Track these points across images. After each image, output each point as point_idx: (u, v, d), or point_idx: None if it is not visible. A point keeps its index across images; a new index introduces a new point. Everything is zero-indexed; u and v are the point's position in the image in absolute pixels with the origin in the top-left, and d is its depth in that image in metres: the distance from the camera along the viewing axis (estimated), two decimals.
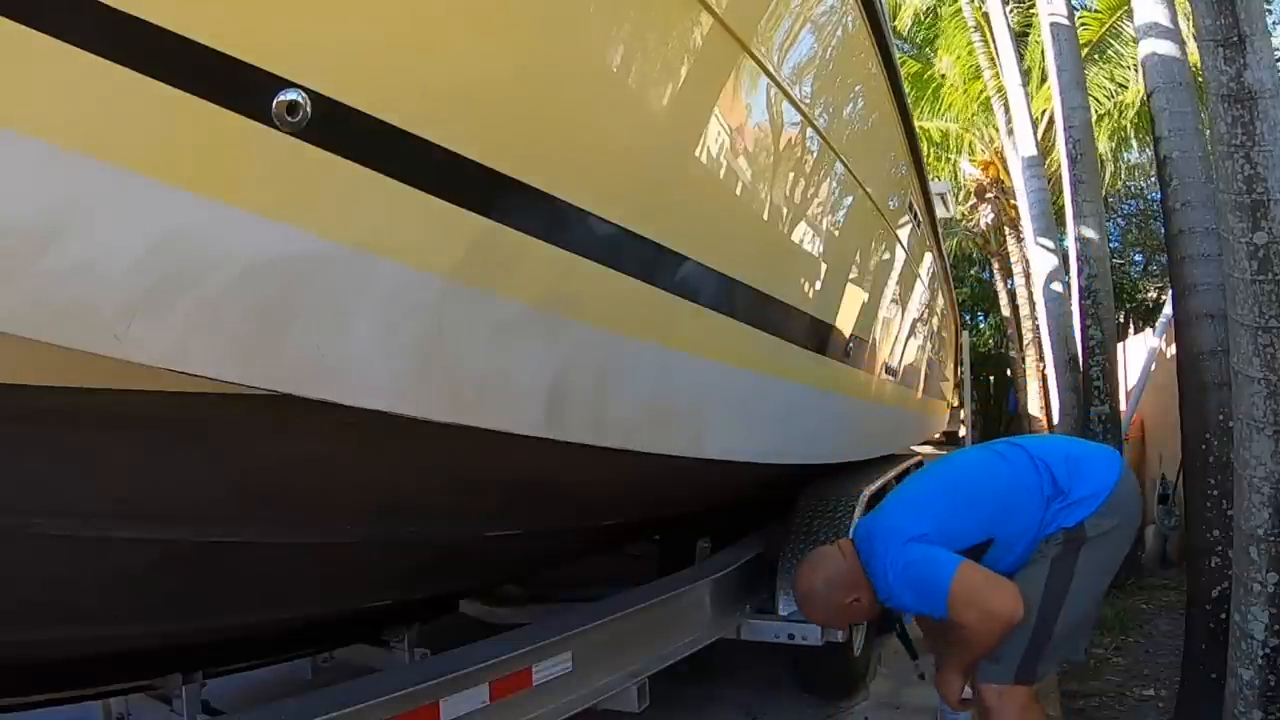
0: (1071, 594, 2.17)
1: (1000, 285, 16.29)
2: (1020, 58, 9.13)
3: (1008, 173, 12.08)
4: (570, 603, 3.00)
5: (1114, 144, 13.10)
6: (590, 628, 2.36)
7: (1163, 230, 5.08)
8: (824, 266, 3.28)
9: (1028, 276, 11.80)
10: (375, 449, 1.65)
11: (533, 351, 1.77)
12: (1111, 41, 12.53)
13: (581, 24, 1.72)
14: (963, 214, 14.46)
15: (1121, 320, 14.97)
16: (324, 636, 2.62)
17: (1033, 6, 10.33)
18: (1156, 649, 4.40)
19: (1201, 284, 3.39)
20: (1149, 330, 9.63)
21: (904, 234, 4.53)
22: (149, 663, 2.13)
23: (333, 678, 2.24)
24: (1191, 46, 4.18)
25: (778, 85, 2.51)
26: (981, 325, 20.83)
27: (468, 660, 2.02)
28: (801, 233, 3.03)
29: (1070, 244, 6.59)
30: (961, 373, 10.23)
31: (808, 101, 2.80)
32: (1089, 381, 6.05)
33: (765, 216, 2.70)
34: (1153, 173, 10.94)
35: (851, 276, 3.68)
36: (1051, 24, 6.56)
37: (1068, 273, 7.13)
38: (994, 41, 9.82)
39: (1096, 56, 12.48)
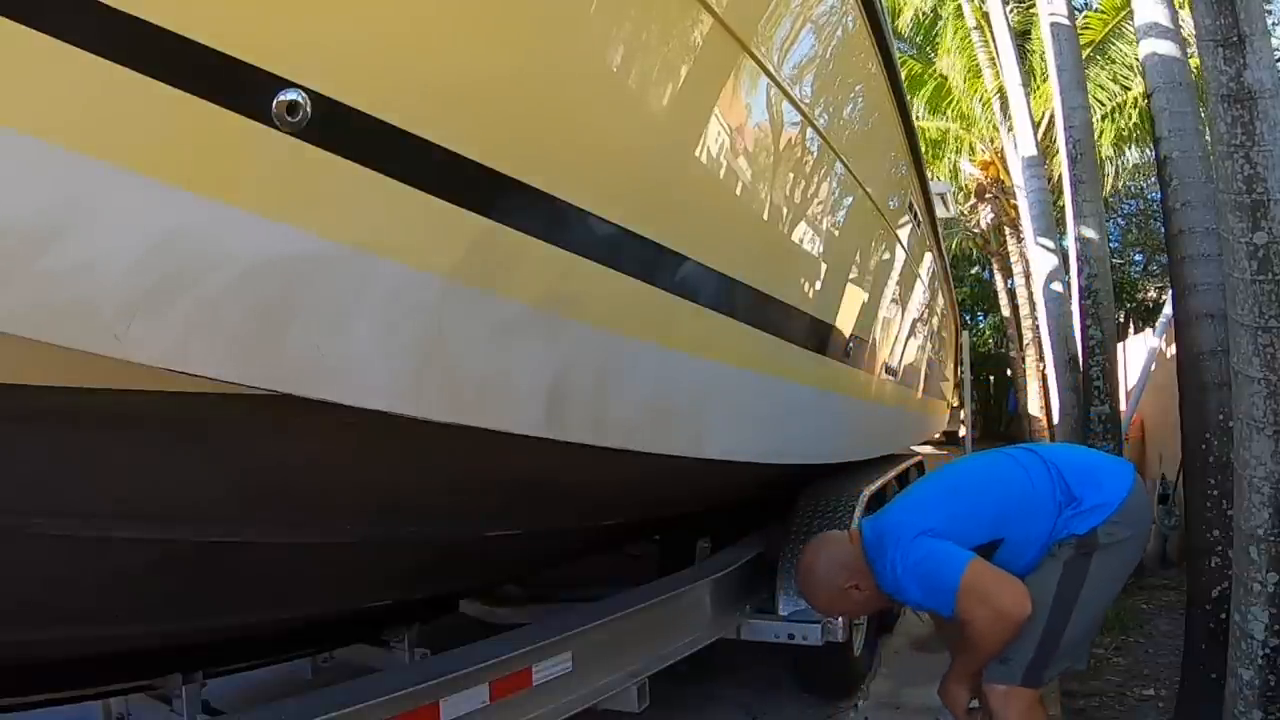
0: (1081, 601, 2.16)
1: (1000, 285, 16.30)
2: (1021, 58, 9.14)
3: (1008, 173, 12.09)
4: (570, 603, 3.00)
5: (1116, 144, 13.10)
6: (590, 628, 2.36)
7: (1163, 230, 5.08)
8: (824, 266, 3.28)
9: (1028, 276, 11.81)
10: (375, 449, 1.65)
11: (533, 351, 1.78)
12: (1114, 42, 12.54)
13: (581, 24, 1.72)
14: (963, 214, 14.46)
15: (1121, 320, 14.98)
16: (324, 636, 2.62)
17: (1033, 6, 10.33)
18: (1156, 649, 4.39)
19: (1201, 284, 3.38)
20: (1149, 330, 9.63)
21: (904, 234, 4.53)
22: (149, 663, 2.13)
23: (333, 678, 2.24)
24: (1192, 47, 4.18)
25: (778, 85, 2.51)
26: (981, 325, 20.85)
27: (468, 660, 2.02)
28: (801, 233, 3.03)
29: (1070, 244, 6.58)
30: (961, 373, 10.23)
31: (808, 101, 2.80)
32: (1089, 381, 6.04)
33: (765, 216, 2.70)
34: (1153, 173, 10.95)
35: (851, 276, 3.68)
36: (1052, 24, 6.55)
37: (1068, 273, 7.13)
38: (994, 41, 9.83)
39: (1098, 56, 12.49)
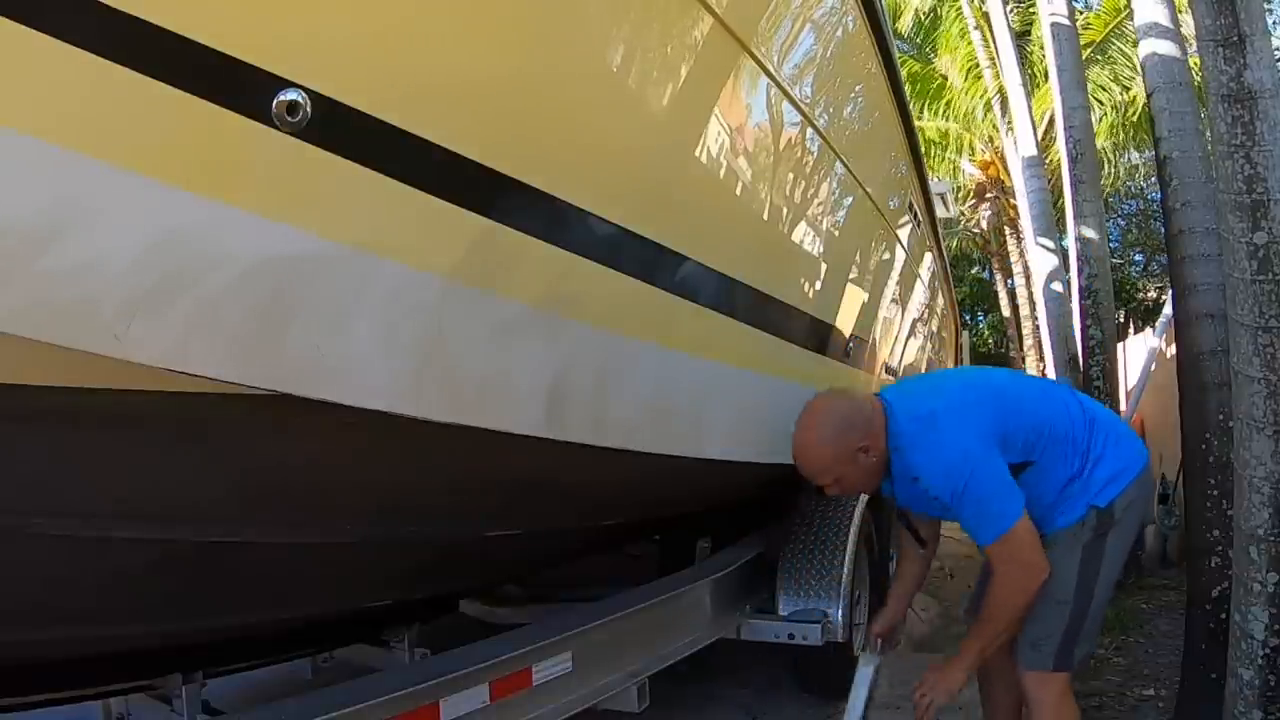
0: (1100, 579, 2.19)
1: (1000, 285, 16.29)
2: (1021, 58, 9.14)
3: (1008, 173, 12.09)
4: (570, 603, 3.00)
5: (1116, 143, 13.11)
6: (590, 628, 2.36)
7: (1163, 230, 5.08)
8: (824, 266, 3.28)
9: (1028, 276, 11.81)
10: (375, 449, 1.65)
11: (533, 351, 1.78)
12: (1114, 42, 12.54)
13: (582, 24, 1.72)
14: (963, 214, 14.46)
15: (1121, 320, 14.98)
16: (324, 636, 2.62)
17: (1033, 6, 10.33)
18: (1156, 649, 4.39)
19: (1201, 284, 3.38)
20: (1149, 330, 9.62)
21: (904, 234, 4.53)
22: (149, 663, 2.13)
23: (333, 678, 2.24)
24: (1192, 47, 4.18)
25: (778, 85, 2.51)
26: (981, 325, 20.85)
27: (468, 660, 2.02)
28: (801, 233, 3.03)
29: (1070, 244, 6.59)
30: None
31: (808, 101, 2.80)
32: (1089, 381, 6.04)
33: (765, 216, 2.70)
34: (1153, 173, 10.95)
35: (851, 276, 3.68)
36: (1052, 24, 6.56)
37: (1068, 273, 7.14)
38: (994, 41, 9.83)
39: (1099, 57, 12.50)
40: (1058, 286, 7.56)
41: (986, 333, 20.48)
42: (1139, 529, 2.33)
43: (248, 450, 1.55)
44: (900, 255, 4.57)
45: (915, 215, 4.76)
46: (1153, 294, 16.91)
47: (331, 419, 1.43)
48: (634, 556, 4.01)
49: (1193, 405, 3.42)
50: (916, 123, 4.38)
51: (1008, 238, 13.85)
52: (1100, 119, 12.21)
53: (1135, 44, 6.42)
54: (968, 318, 19.39)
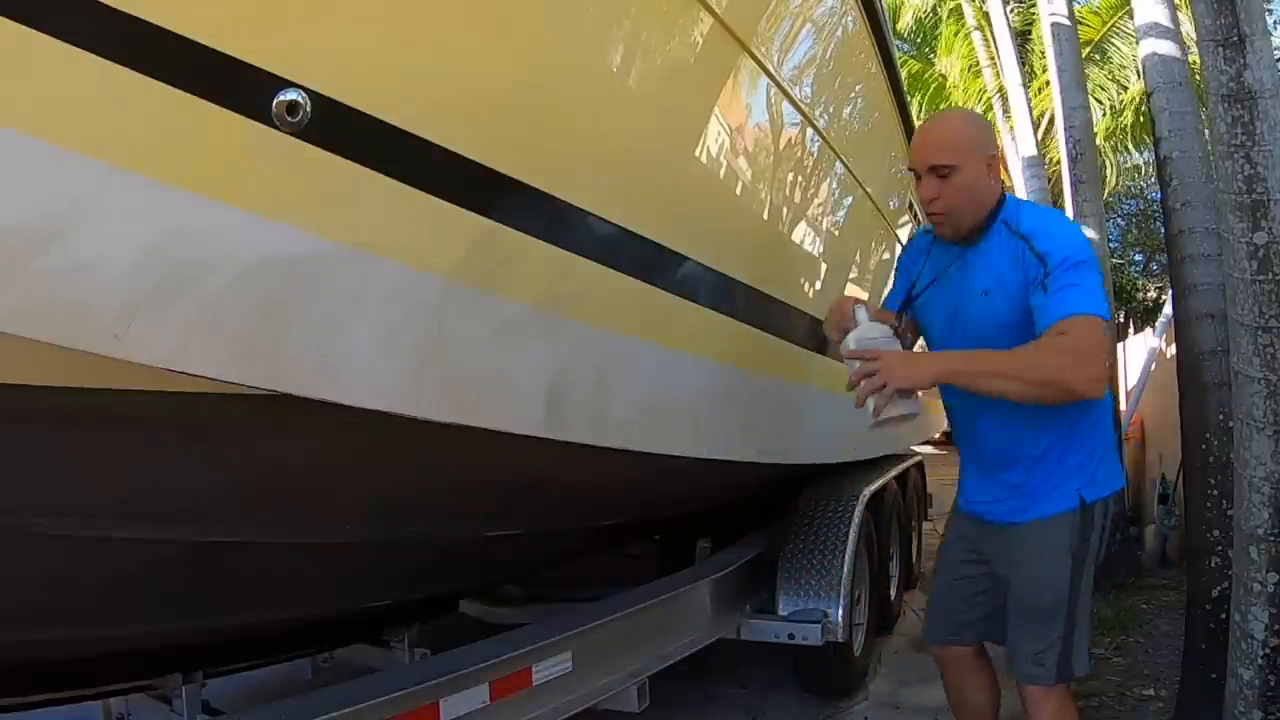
0: (1085, 583, 2.12)
1: None
2: (1021, 58, 9.13)
3: (1008, 172, 12.09)
4: (570, 603, 3.01)
5: (1116, 143, 13.11)
6: (590, 628, 2.36)
7: (1163, 230, 5.08)
8: (824, 266, 3.29)
9: None
10: (375, 449, 1.65)
11: (533, 351, 1.78)
12: (1113, 42, 12.53)
13: (581, 24, 1.72)
14: None
15: (1121, 320, 14.98)
16: (324, 636, 2.62)
17: (1033, 6, 10.33)
18: (1156, 649, 4.39)
19: (1201, 284, 3.38)
20: (1149, 330, 9.62)
21: (904, 234, 4.53)
22: (149, 663, 2.13)
23: (333, 678, 2.24)
24: (1192, 47, 4.18)
25: (778, 85, 2.51)
26: None
27: (468, 660, 2.03)
28: (802, 233, 3.03)
29: None
30: None
31: (808, 101, 2.80)
32: None
33: (766, 217, 2.70)
34: (1153, 173, 10.95)
35: (852, 276, 3.68)
36: (1052, 24, 6.55)
37: None
38: (994, 41, 9.82)
39: (1097, 57, 12.49)
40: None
41: None
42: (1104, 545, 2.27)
43: (248, 450, 1.55)
44: None
45: (915, 215, 4.76)
46: (1153, 294, 16.90)
47: (331, 419, 1.43)
48: (634, 556, 4.02)
49: (1193, 405, 3.42)
50: (917, 122, 4.37)
51: None
52: (1101, 118, 12.21)
53: (1135, 43, 6.41)
54: None
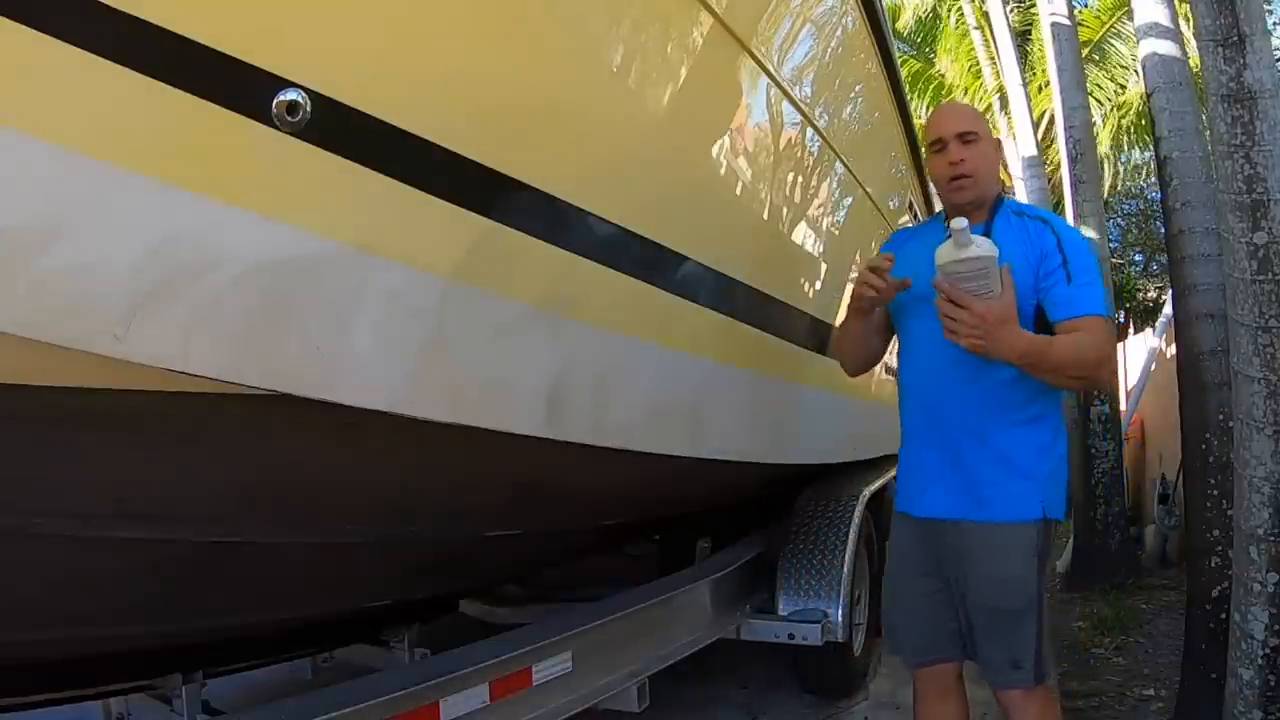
0: (1046, 593, 2.10)
1: None
2: (1021, 58, 9.13)
3: (1008, 173, 12.10)
4: (570, 603, 3.01)
5: (1116, 144, 13.11)
6: (590, 628, 2.36)
7: (1163, 230, 5.08)
8: (824, 266, 3.28)
9: None
10: (375, 449, 1.65)
11: (533, 352, 1.78)
12: (1112, 42, 12.54)
13: (581, 24, 1.72)
14: None
15: (1121, 320, 14.97)
16: (324, 636, 2.62)
17: (1033, 6, 10.33)
18: (1156, 649, 4.40)
19: (1201, 284, 3.39)
20: (1149, 330, 9.63)
21: None
22: (149, 663, 2.13)
23: (333, 678, 2.24)
24: (1192, 47, 4.18)
25: (778, 85, 2.51)
26: None
27: (468, 660, 2.02)
28: (802, 233, 3.03)
29: None
30: None
31: (808, 101, 2.80)
32: None
33: (766, 217, 2.70)
34: (1153, 173, 10.95)
35: (852, 276, 3.68)
36: (1052, 24, 6.55)
37: None
38: (994, 41, 9.83)
39: (1097, 57, 12.49)
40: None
41: None
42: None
43: (248, 450, 1.55)
44: None
45: (915, 216, 4.76)
46: (1153, 294, 16.90)
47: (331, 419, 1.43)
48: (634, 556, 4.02)
49: (1193, 405, 3.42)
50: (917, 122, 4.38)
51: None
52: (1103, 119, 12.21)
53: (1135, 43, 6.41)
54: None
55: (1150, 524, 6.65)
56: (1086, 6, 12.84)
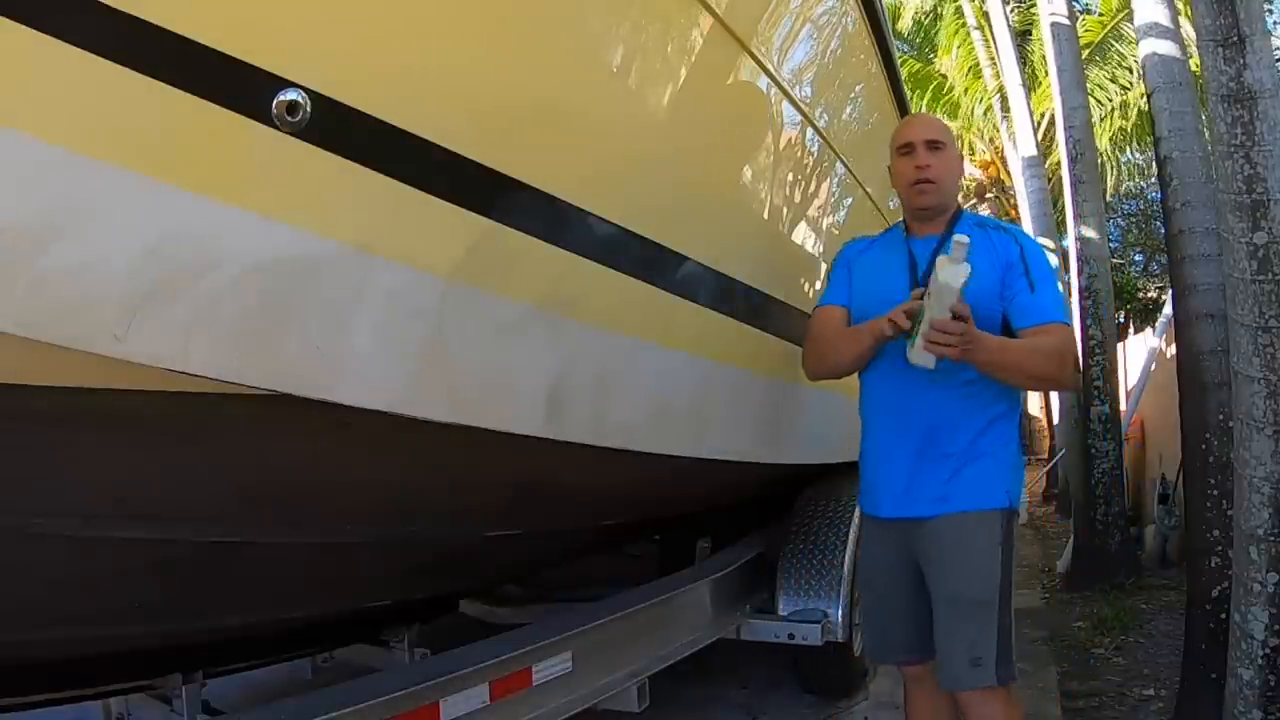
0: (1011, 589, 2.06)
1: None
2: (1021, 58, 9.14)
3: (1008, 173, 12.10)
4: (570, 603, 3.01)
5: (1117, 144, 13.11)
6: (590, 628, 2.36)
7: (1163, 230, 5.09)
8: (824, 267, 3.28)
9: None
10: (375, 449, 1.66)
11: (533, 352, 1.78)
12: (1113, 43, 12.54)
13: (581, 24, 1.72)
14: None
15: (1121, 320, 14.96)
16: (324, 636, 2.62)
17: (1033, 6, 10.34)
18: (1156, 649, 4.39)
19: (1201, 284, 3.39)
20: (1149, 330, 9.63)
21: None
22: (149, 663, 2.13)
23: (333, 678, 2.24)
24: (1192, 46, 4.18)
25: (778, 85, 2.51)
26: None
27: (468, 660, 2.03)
28: (803, 233, 3.03)
29: (1070, 244, 6.59)
30: None
31: (808, 101, 2.80)
32: (1089, 381, 6.04)
33: (766, 217, 2.70)
34: (1153, 173, 10.96)
35: None
36: (1052, 24, 6.56)
37: (1068, 273, 7.13)
38: (994, 41, 9.83)
39: (1098, 58, 12.50)
40: (1058, 286, 7.54)
41: None
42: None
43: (248, 450, 1.55)
44: None
45: None
46: (1153, 294, 16.90)
47: (332, 419, 1.43)
48: (634, 556, 4.02)
49: (1193, 405, 3.42)
50: None
51: None
52: (1102, 119, 12.22)
53: (1135, 43, 6.42)
54: None
55: (1150, 524, 6.65)
56: (1088, 10, 12.85)
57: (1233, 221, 2.43)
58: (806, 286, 3.15)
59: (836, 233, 3.37)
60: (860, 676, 3.81)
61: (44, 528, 1.43)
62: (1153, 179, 12.93)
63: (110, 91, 1.07)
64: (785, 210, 2.83)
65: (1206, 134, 3.21)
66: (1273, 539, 2.42)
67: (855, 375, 2.32)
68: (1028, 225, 8.35)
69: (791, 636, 3.22)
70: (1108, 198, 13.40)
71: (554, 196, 1.69)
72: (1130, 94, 12.30)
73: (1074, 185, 6.29)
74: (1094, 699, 3.69)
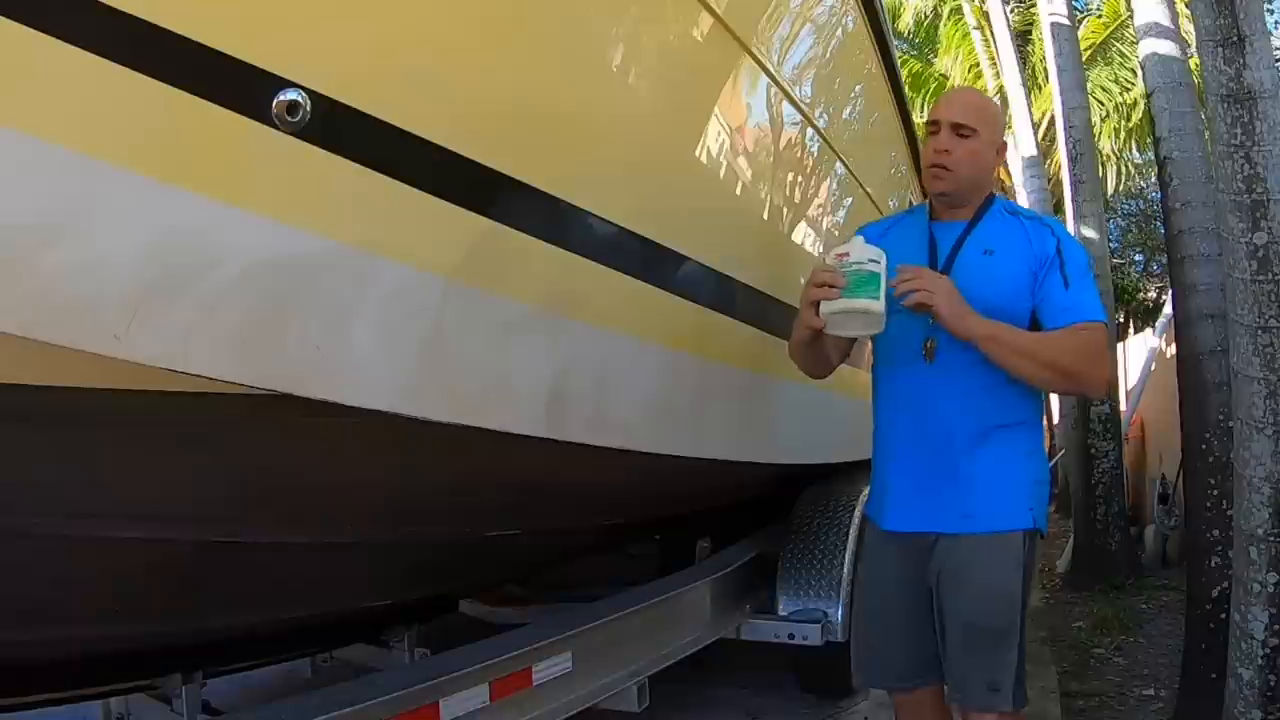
0: (1029, 599, 2.01)
1: None
2: (1021, 58, 9.13)
3: (1008, 173, 12.09)
4: (570, 603, 3.00)
5: (1122, 144, 13.11)
6: (590, 628, 2.36)
7: (1163, 230, 5.09)
8: None
9: None
10: (376, 449, 1.66)
11: (534, 351, 1.78)
12: (1116, 44, 12.54)
13: (581, 24, 1.72)
14: None
15: (1121, 320, 14.97)
16: (324, 636, 2.62)
17: (1033, 6, 10.34)
18: (1156, 649, 4.40)
19: (1201, 284, 3.39)
20: (1149, 330, 9.63)
21: None
22: (149, 663, 2.13)
23: (333, 678, 2.24)
24: (1192, 47, 4.18)
25: (778, 85, 2.51)
26: None
27: (468, 660, 2.02)
28: (803, 233, 3.03)
29: None
30: None
31: (808, 101, 2.80)
32: None
33: (766, 217, 2.70)
34: (1153, 173, 10.95)
35: None
36: (1052, 24, 6.56)
37: None
38: (994, 41, 9.83)
39: (1099, 59, 12.50)
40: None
41: None
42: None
43: (248, 450, 1.55)
44: None
45: None
46: (1153, 294, 16.91)
47: (332, 419, 1.43)
48: (634, 556, 4.01)
49: (1193, 405, 3.43)
50: (917, 122, 4.38)
51: None
52: (1103, 119, 12.22)
53: (1135, 43, 6.42)
54: None
55: (1150, 524, 6.65)
56: (1088, 10, 12.84)
57: (1233, 221, 2.43)
58: None
59: (836, 233, 3.37)
60: None
61: (44, 528, 1.43)
62: (1153, 179, 12.94)
63: (110, 91, 1.07)
64: (785, 210, 2.84)
65: (1207, 134, 3.21)
66: (1273, 539, 2.42)
67: (868, 375, 2.25)
68: None
69: (791, 636, 3.21)
70: (1110, 197, 13.41)
71: (554, 196, 1.69)
72: (1132, 93, 12.30)
73: (1074, 185, 6.30)
74: (1094, 699, 3.69)
